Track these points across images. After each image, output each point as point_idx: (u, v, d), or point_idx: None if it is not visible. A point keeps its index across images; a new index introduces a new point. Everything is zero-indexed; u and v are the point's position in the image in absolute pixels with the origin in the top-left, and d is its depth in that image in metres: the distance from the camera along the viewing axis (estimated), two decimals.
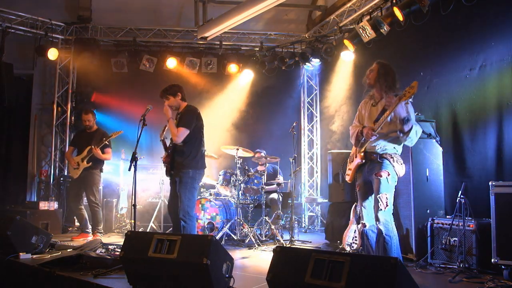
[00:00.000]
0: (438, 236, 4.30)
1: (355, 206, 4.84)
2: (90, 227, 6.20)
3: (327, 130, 8.21)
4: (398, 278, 2.19)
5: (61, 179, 7.69)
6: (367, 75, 3.74)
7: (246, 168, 6.29)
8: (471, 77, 5.05)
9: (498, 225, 3.78)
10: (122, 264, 3.39)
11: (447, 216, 4.47)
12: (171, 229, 6.41)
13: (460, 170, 5.02)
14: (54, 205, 6.63)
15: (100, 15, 7.80)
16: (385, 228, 3.49)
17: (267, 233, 6.05)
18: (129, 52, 7.83)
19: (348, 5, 6.80)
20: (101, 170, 6.30)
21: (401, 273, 2.22)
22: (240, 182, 6.01)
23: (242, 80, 8.13)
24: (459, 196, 4.03)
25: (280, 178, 6.91)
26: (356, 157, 3.78)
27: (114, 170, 7.26)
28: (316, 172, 8.61)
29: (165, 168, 4.72)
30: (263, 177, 6.20)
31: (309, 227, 8.05)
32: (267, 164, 7.10)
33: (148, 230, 6.46)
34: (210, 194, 6.46)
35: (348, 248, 4.76)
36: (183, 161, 4.48)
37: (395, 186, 3.61)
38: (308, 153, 8.69)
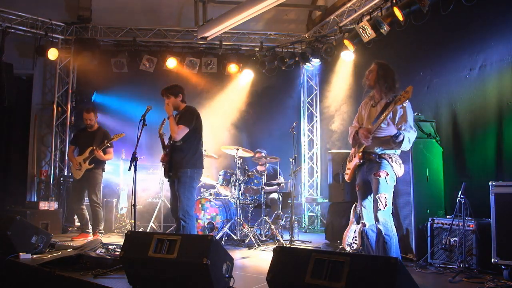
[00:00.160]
0: (438, 236, 4.30)
1: (355, 206, 4.84)
2: (90, 227, 6.19)
3: (327, 130, 8.21)
4: (398, 278, 2.18)
5: (61, 179, 7.69)
6: (366, 76, 3.75)
7: (246, 168, 6.29)
8: (471, 77, 5.05)
9: (498, 225, 3.78)
10: (122, 264, 3.39)
11: (447, 216, 4.46)
12: (171, 229, 6.45)
13: (460, 170, 5.01)
14: (54, 205, 6.63)
15: (100, 15, 7.80)
16: (384, 228, 3.49)
17: (267, 233, 6.05)
18: (129, 52, 7.82)
19: (348, 5, 6.80)
20: (103, 169, 6.29)
21: (401, 273, 2.22)
22: (240, 182, 6.01)
23: (242, 80, 8.13)
24: (459, 196, 4.02)
25: (281, 179, 6.91)
26: (355, 156, 3.78)
27: (114, 170, 7.25)
28: (316, 172, 8.61)
29: (163, 169, 4.71)
30: (263, 177, 6.20)
31: (309, 227, 8.05)
32: (267, 164, 7.10)
33: (148, 230, 6.47)
34: (210, 194, 6.46)
35: (348, 248, 4.76)
36: (182, 160, 4.49)
37: (394, 186, 3.61)
38: (308, 153, 8.69)
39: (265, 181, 6.25)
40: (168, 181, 4.71)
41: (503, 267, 3.70)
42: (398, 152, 3.66)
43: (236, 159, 6.08)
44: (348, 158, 3.98)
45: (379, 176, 3.53)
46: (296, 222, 6.44)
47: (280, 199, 6.58)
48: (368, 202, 3.70)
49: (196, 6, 7.26)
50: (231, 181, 6.19)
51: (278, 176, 6.97)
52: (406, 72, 5.77)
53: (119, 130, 6.37)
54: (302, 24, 8.36)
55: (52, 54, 7.39)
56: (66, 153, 7.71)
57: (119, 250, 3.79)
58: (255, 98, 8.29)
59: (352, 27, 6.69)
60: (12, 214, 4.64)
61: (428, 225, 4.37)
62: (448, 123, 5.28)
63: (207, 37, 7.41)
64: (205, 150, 5.87)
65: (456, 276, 3.71)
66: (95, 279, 3.51)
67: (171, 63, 7.83)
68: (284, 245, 5.57)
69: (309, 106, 8.77)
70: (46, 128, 7.95)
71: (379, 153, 3.60)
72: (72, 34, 7.80)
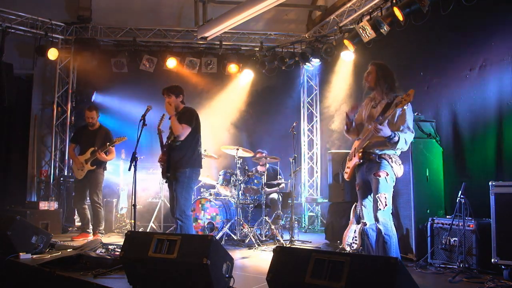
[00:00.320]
0: (438, 236, 4.30)
1: (355, 206, 4.84)
2: (91, 227, 6.19)
3: (327, 130, 8.21)
4: (398, 278, 2.19)
5: (61, 179, 7.69)
6: (365, 78, 3.76)
7: (246, 168, 6.29)
8: (471, 77, 5.05)
9: (498, 225, 3.78)
10: (122, 264, 3.38)
11: (447, 216, 4.46)
12: (171, 229, 6.44)
13: (460, 170, 5.01)
14: (54, 205, 6.62)
15: (100, 15, 7.80)
16: (384, 227, 3.50)
17: (267, 233, 6.05)
18: (129, 52, 7.82)
19: (348, 5, 6.80)
20: (104, 169, 6.29)
21: (401, 273, 2.22)
22: (240, 182, 6.01)
23: (242, 80, 8.13)
24: (459, 196, 4.02)
25: (281, 179, 6.90)
26: (354, 156, 3.78)
27: (114, 170, 7.25)
28: (316, 172, 8.61)
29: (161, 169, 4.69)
30: (263, 177, 6.20)
31: (309, 227, 8.05)
32: (267, 165, 7.10)
33: (148, 230, 6.46)
34: (210, 194, 6.46)
35: (348, 248, 4.76)
36: (181, 160, 4.50)
37: (394, 186, 3.62)
38: (308, 153, 8.69)
39: (265, 181, 6.25)
40: (166, 182, 4.71)
41: (503, 267, 3.70)
42: (398, 152, 3.66)
43: (236, 159, 6.08)
44: (347, 157, 3.99)
45: (379, 176, 3.53)
46: (296, 222, 6.45)
47: (280, 199, 6.58)
48: (368, 201, 3.71)
49: (196, 6, 7.26)
50: (231, 181, 6.19)
51: (278, 176, 6.97)
52: (406, 72, 5.76)
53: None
54: (302, 24, 8.36)
55: (52, 54, 7.39)
56: (66, 153, 7.72)
57: (119, 250, 3.80)
58: (255, 98, 8.29)
59: (352, 27, 6.69)
60: (12, 214, 4.64)
61: (428, 225, 4.37)
62: (448, 123, 5.27)
63: (207, 37, 7.41)
64: (205, 150, 5.89)
65: (456, 276, 3.71)
66: (95, 279, 3.51)
67: (171, 63, 7.83)
68: (284, 245, 5.57)
69: (309, 106, 8.77)
70: (46, 128, 7.95)
71: (379, 153, 3.60)
72: (72, 34, 7.81)
